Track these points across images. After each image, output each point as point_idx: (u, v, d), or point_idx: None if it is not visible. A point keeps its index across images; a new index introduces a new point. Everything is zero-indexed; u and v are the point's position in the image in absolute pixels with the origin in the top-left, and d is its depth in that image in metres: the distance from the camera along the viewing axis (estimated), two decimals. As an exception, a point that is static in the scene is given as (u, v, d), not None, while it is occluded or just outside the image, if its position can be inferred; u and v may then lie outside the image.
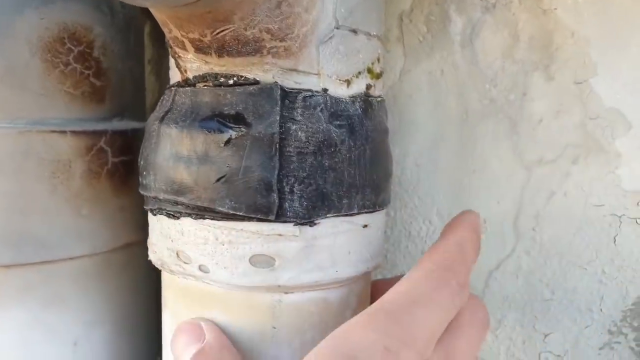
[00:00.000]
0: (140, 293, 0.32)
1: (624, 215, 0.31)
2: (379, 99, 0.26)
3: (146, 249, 0.32)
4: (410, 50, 0.34)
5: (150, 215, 0.25)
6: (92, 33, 0.27)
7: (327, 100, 0.23)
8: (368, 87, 0.25)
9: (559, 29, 0.30)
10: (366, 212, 0.24)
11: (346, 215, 0.24)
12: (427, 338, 0.16)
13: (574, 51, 0.30)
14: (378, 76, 0.26)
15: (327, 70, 0.23)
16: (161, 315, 0.28)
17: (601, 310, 0.32)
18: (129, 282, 0.31)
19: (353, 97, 0.24)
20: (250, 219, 0.22)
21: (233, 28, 0.20)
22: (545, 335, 0.34)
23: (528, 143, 0.32)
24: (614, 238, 0.31)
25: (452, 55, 0.33)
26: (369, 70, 0.25)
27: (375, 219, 0.25)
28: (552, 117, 0.31)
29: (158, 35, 0.38)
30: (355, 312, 0.26)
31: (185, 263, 0.23)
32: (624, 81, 0.29)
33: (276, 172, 0.22)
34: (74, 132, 0.27)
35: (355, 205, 0.24)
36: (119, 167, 0.29)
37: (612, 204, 0.31)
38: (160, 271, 0.28)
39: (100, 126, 0.28)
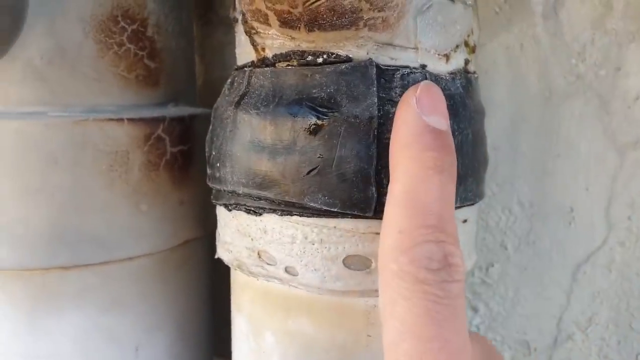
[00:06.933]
0: (199, 293, 0.29)
1: None
2: (476, 75, 0.23)
3: (204, 245, 0.30)
4: (486, 23, 0.30)
5: (223, 210, 0.22)
6: (145, 10, 0.25)
7: (426, 78, 0.20)
8: (466, 62, 0.22)
9: (662, -6, 0.27)
10: (466, 206, 0.22)
11: (444, 209, 0.21)
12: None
13: (680, 19, 0.27)
14: (474, 50, 0.23)
15: (425, 43, 0.20)
16: (218, 315, 0.26)
17: (700, 305, 0.30)
18: (188, 283, 0.28)
19: (452, 73, 0.21)
20: (344, 215, 0.19)
21: (334, -5, 0.17)
22: None
23: (622, 124, 0.29)
24: None
25: (533, 27, 0.30)
26: (466, 44, 0.22)
27: (474, 213, 0.23)
28: (650, 93, 0.28)
29: (202, 11, 0.35)
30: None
31: (268, 264, 0.21)
32: None
33: (374, 162, 0.19)
34: (131, 120, 0.24)
35: (458, 199, 0.21)
36: (178, 157, 0.26)
37: None
38: (217, 268, 0.25)
39: (157, 112, 0.25)
